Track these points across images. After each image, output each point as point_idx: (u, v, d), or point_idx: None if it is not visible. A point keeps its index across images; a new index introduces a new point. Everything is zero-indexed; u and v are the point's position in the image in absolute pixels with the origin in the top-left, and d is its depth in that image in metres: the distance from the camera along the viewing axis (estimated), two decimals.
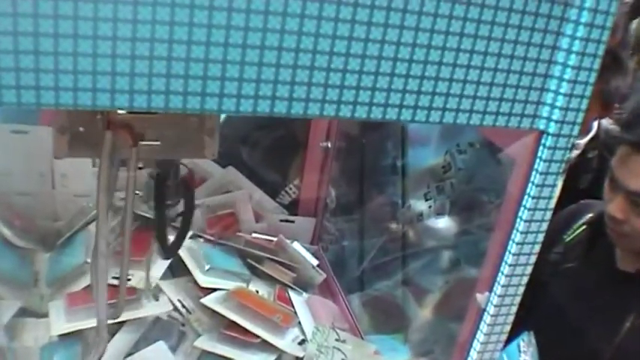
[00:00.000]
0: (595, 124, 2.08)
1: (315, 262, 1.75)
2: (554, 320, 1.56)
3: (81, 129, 0.85)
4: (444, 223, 2.04)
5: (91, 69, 0.61)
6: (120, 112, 0.84)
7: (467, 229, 1.95)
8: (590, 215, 1.64)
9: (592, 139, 2.09)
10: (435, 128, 2.11)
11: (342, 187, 2.11)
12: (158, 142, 0.90)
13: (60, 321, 1.33)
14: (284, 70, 0.66)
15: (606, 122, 2.15)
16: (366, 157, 2.15)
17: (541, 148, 0.82)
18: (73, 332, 1.30)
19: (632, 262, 1.53)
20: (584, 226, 1.63)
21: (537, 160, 0.83)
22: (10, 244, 1.47)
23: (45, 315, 1.38)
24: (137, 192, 1.04)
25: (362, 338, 1.58)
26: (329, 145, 1.84)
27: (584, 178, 2.09)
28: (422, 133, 2.15)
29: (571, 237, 1.64)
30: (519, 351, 1.47)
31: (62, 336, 1.31)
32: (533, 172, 0.84)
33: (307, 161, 1.90)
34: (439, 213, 2.06)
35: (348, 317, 1.67)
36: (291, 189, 2.06)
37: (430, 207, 2.07)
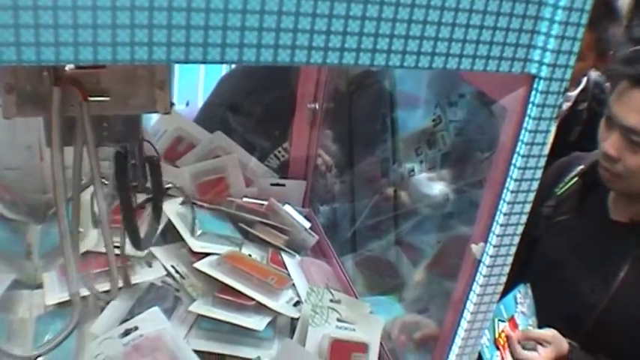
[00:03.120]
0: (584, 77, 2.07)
1: (307, 224, 1.74)
2: (548, 274, 1.56)
3: (28, 87, 0.84)
4: (435, 178, 2.03)
5: (33, 22, 0.58)
6: (67, 67, 0.83)
7: (459, 183, 1.95)
8: (582, 167, 1.64)
9: (582, 91, 2.08)
10: (424, 87, 2.09)
11: (332, 148, 2.10)
12: (108, 98, 0.88)
13: (54, 291, 1.32)
14: (268, 16, 0.64)
15: (595, 74, 2.15)
16: (355, 117, 2.14)
17: (533, 92, 0.81)
18: (68, 302, 1.29)
19: (625, 211, 1.53)
20: (575, 178, 1.63)
21: (530, 106, 0.82)
22: (0, 217, 1.45)
23: (39, 286, 1.37)
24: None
25: (356, 299, 1.58)
26: (317, 106, 1.82)
27: (574, 130, 2.09)
28: (411, 93, 2.14)
29: (563, 190, 1.64)
30: (516, 302, 1.48)
31: (57, 306, 1.30)
32: (526, 118, 0.83)
33: (295, 124, 1.89)
34: (431, 167, 2.06)
35: (342, 278, 1.66)
36: (280, 152, 2.05)
37: (422, 162, 2.06)
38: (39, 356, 0.94)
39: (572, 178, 1.63)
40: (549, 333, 1.46)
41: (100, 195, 0.91)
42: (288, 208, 1.74)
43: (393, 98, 2.09)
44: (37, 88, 0.83)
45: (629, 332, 1.49)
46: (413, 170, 2.07)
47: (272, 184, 1.85)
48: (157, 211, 1.19)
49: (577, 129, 2.09)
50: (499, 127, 0.93)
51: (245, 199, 1.74)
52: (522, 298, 1.52)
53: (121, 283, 1.27)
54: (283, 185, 1.87)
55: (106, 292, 1.20)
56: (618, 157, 1.41)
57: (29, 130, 1.58)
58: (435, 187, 2.02)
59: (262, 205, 1.73)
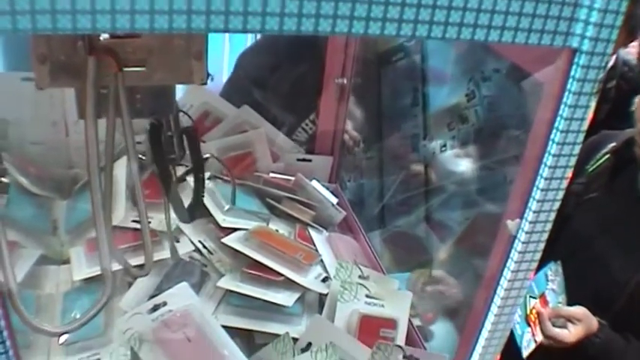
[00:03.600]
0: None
1: (334, 199, 1.73)
2: (578, 251, 1.54)
3: (62, 57, 0.82)
4: (466, 155, 2.01)
5: None
6: (102, 37, 0.81)
7: (492, 159, 1.92)
8: (614, 145, 1.61)
9: (610, 69, 2.05)
10: (456, 62, 2.06)
11: (360, 123, 2.08)
12: (143, 68, 0.87)
13: (81, 266, 1.33)
14: None
15: (624, 52, 2.11)
16: (384, 92, 2.11)
17: (574, 67, 0.79)
18: (95, 277, 1.29)
19: None
20: (607, 156, 1.60)
21: (570, 80, 0.80)
22: (26, 192, 1.46)
23: (65, 262, 1.38)
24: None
25: (384, 275, 1.57)
26: (345, 81, 1.80)
27: (602, 109, 2.06)
28: (443, 68, 2.11)
29: (594, 167, 1.61)
30: (547, 280, 1.46)
31: (84, 282, 1.31)
32: (566, 93, 0.81)
33: (323, 99, 1.87)
34: (463, 143, 2.03)
35: (369, 254, 1.65)
36: (307, 125, 2.04)
37: (454, 137, 2.04)
38: (69, 332, 0.94)
39: (603, 156, 1.61)
40: (580, 311, 1.45)
41: (134, 168, 0.90)
42: (315, 183, 1.73)
43: (424, 73, 2.07)
44: (70, 58, 0.81)
45: None
46: (445, 146, 2.05)
47: (299, 160, 1.83)
48: (200, 182, 1.18)
49: (605, 107, 2.06)
50: (530, 103, 0.91)
51: (272, 175, 1.73)
52: (553, 276, 1.51)
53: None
54: (310, 161, 1.86)
55: (138, 267, 1.20)
56: None
57: (54, 105, 1.58)
58: (465, 163, 2.00)
59: (289, 180, 1.72)
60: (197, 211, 1.24)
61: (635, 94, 1.46)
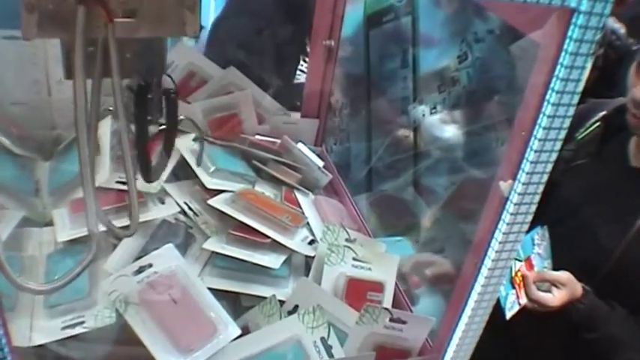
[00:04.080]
0: None
1: (320, 162, 1.71)
2: (565, 217, 1.54)
3: (50, 6, 0.79)
4: (458, 116, 2.00)
5: None
6: None
7: (485, 121, 1.91)
8: (604, 112, 1.60)
9: None
10: (447, 24, 2.04)
11: (347, 86, 2.07)
12: (135, 19, 0.84)
13: (65, 228, 1.31)
14: None
15: (611, 20, 2.11)
16: (373, 53, 2.09)
17: (572, 27, 0.78)
18: (79, 239, 1.28)
19: None
20: (597, 123, 1.59)
21: (567, 41, 0.78)
22: (9, 153, 1.43)
23: (48, 224, 1.36)
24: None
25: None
26: (332, 43, 1.77)
27: (590, 77, 2.05)
28: (434, 29, 2.08)
29: (583, 134, 1.61)
30: (533, 244, 1.47)
31: (68, 243, 1.29)
32: (562, 54, 0.79)
33: (310, 61, 1.85)
34: (455, 105, 2.02)
35: (356, 217, 1.65)
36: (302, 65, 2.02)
37: (444, 99, 2.02)
38: (53, 290, 0.92)
39: (593, 123, 1.60)
40: (564, 276, 1.45)
41: (123, 127, 0.88)
42: (301, 146, 1.72)
43: (414, 34, 2.04)
44: (59, 7, 0.78)
45: None
46: (435, 108, 2.04)
47: (285, 122, 1.81)
48: (169, 145, 1.16)
49: (593, 76, 2.06)
50: (523, 65, 0.90)
51: (257, 137, 1.71)
52: (539, 240, 1.51)
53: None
54: (296, 123, 1.84)
55: (123, 228, 1.18)
56: None
57: (36, 64, 1.55)
58: (455, 126, 1.99)
59: (275, 142, 1.70)
60: (160, 173, 1.22)
61: (622, 63, 1.46)
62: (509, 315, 1.40)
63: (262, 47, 2.08)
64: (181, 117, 1.42)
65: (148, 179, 1.15)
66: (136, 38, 0.84)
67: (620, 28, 2.14)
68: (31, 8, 0.77)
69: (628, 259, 1.47)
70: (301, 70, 2.34)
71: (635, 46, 2.34)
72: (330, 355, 1.16)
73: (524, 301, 1.43)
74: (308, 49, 2.30)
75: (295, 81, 2.33)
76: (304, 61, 2.33)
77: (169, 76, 1.02)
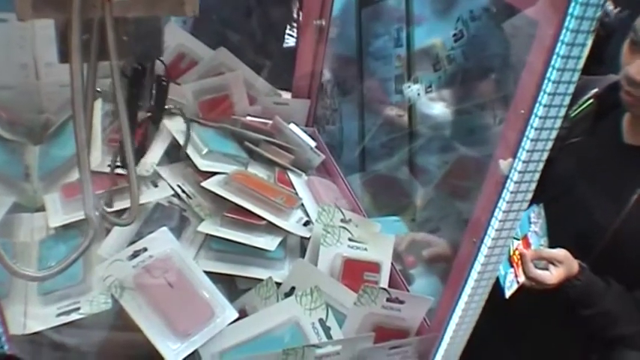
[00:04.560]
0: None
1: (312, 143, 1.70)
2: (561, 195, 1.54)
3: None
4: (455, 95, 1.99)
5: None
6: None
7: (481, 99, 1.90)
8: (596, 90, 1.59)
9: None
10: (442, 4, 2.02)
11: (339, 65, 2.05)
12: None
13: (57, 213, 1.30)
14: None
15: None
16: (365, 32, 2.08)
17: (572, 4, 0.76)
18: (71, 224, 1.26)
19: None
20: (590, 101, 1.59)
21: (568, 18, 0.77)
22: None
23: (40, 209, 1.34)
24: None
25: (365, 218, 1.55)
26: (323, 23, 1.75)
27: None
28: (428, 7, 2.06)
29: (577, 112, 1.60)
30: (529, 222, 1.47)
31: (61, 229, 1.28)
32: (563, 31, 0.78)
33: (301, 41, 1.83)
34: (451, 83, 2.01)
35: (349, 198, 1.64)
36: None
37: (440, 78, 2.01)
38: (49, 277, 0.91)
39: (586, 101, 1.59)
40: (561, 253, 1.45)
41: (123, 112, 0.86)
42: (293, 126, 1.70)
43: (409, 13, 2.02)
44: None
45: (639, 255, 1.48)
46: (430, 87, 2.02)
47: (275, 103, 1.80)
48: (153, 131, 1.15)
49: None
50: (520, 43, 0.89)
51: (249, 118, 1.69)
52: (536, 218, 1.51)
53: (124, 204, 1.24)
54: (287, 104, 1.82)
55: (116, 212, 1.17)
56: None
57: (24, 47, 1.53)
58: (451, 105, 1.98)
59: (267, 123, 1.68)
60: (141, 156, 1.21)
61: (610, 40, 1.45)
62: (508, 293, 1.40)
63: (249, 15, 2.07)
64: (169, 106, 1.42)
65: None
66: (133, 19, 0.82)
67: (609, 5, 2.14)
68: None
69: (623, 235, 1.48)
70: (289, 34, 2.32)
71: (623, 22, 2.34)
72: (329, 337, 1.16)
73: (522, 279, 1.43)
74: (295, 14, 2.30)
75: (285, 45, 2.31)
76: (291, 26, 2.31)
77: (161, 60, 1.00)
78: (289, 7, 1.98)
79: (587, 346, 1.67)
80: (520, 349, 1.73)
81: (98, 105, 1.36)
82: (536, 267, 1.44)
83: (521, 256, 1.43)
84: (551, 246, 1.51)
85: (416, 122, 2.06)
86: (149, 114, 1.19)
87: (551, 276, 1.44)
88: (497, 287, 1.36)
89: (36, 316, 1.11)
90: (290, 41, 2.27)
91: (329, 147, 1.84)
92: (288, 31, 2.23)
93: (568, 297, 1.47)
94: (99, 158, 1.32)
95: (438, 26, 2.04)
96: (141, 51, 0.91)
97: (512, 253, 1.42)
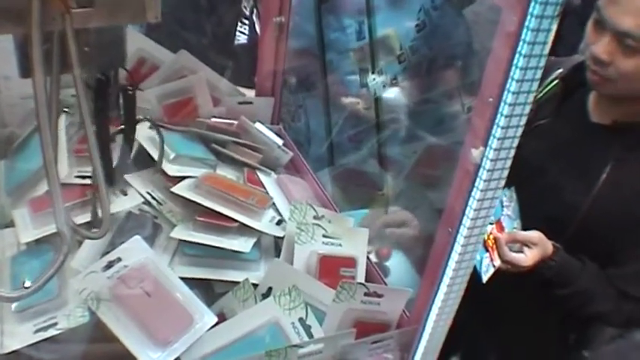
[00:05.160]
0: None
1: (279, 141, 1.69)
2: (530, 177, 1.55)
3: (3, 1, 0.75)
4: (420, 85, 1.99)
5: None
6: None
7: (447, 88, 1.91)
8: (561, 70, 1.60)
9: None
10: None
11: (301, 61, 2.04)
12: (92, 8, 0.80)
13: (27, 228, 1.28)
14: None
15: None
16: (326, 27, 2.07)
17: None
18: (43, 239, 1.25)
19: (608, 113, 1.52)
20: (555, 82, 1.60)
21: (532, 4, 0.78)
22: None
23: (9, 225, 1.32)
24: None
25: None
26: (283, 20, 1.74)
27: None
28: (389, 1, 2.06)
29: (542, 94, 1.61)
30: (502, 206, 1.48)
31: (32, 244, 1.26)
32: (528, 17, 0.79)
33: (261, 39, 1.81)
34: (415, 74, 2.01)
35: (320, 194, 1.63)
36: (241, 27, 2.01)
37: (405, 69, 2.01)
38: (25, 296, 0.89)
39: (551, 82, 1.60)
40: (535, 235, 1.47)
41: (87, 122, 0.85)
42: (258, 125, 1.69)
43: (369, 5, 2.02)
44: (12, 1, 0.74)
45: (611, 233, 1.50)
46: (395, 78, 2.02)
47: (240, 102, 1.78)
48: (129, 143, 1.13)
49: None
50: (482, 31, 0.89)
51: (214, 120, 1.68)
52: (508, 202, 1.52)
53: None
54: (251, 103, 1.81)
55: (85, 224, 1.16)
56: (610, 61, 1.37)
57: None
58: (412, 98, 1.98)
59: (232, 124, 1.67)
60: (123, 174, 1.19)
61: (565, 19, 1.45)
62: (485, 278, 1.41)
63: (199, 15, 2.06)
64: (139, 117, 1.40)
65: (112, 183, 1.12)
66: (94, 29, 0.81)
67: None
68: None
69: (595, 213, 1.49)
70: (240, 32, 2.31)
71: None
72: (310, 335, 1.16)
73: (498, 263, 1.44)
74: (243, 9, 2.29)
75: (236, 42, 2.30)
76: (242, 22, 2.30)
77: (125, 69, 0.99)
78: (239, 3, 1.96)
79: (564, 326, 1.69)
80: (499, 333, 1.75)
81: (62, 116, 1.35)
82: (511, 250, 1.45)
83: (496, 240, 1.44)
84: (524, 228, 1.53)
85: (382, 114, 2.06)
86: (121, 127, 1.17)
87: (527, 258, 1.45)
88: (474, 273, 1.37)
89: (13, 334, 1.09)
90: (241, 38, 2.26)
91: (296, 144, 1.83)
92: (239, 28, 2.21)
93: (544, 278, 1.49)
94: (65, 170, 1.31)
95: (401, 17, 2.04)
96: (103, 61, 0.89)
97: (486, 237, 1.43)
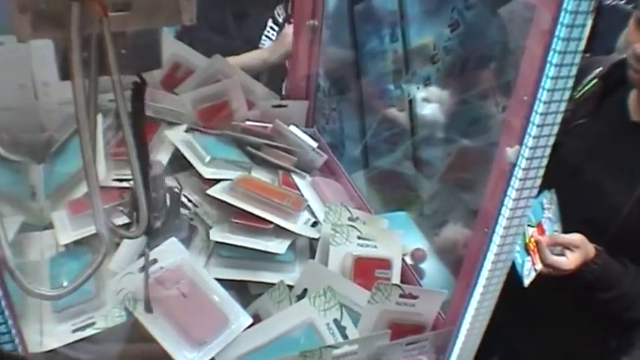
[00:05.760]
0: None
1: (314, 144, 1.70)
2: (569, 178, 1.53)
3: (43, 5, 0.77)
4: (453, 85, 1.98)
5: None
6: None
7: (482, 88, 1.90)
8: (600, 69, 1.59)
9: None
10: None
11: (335, 64, 2.04)
12: (129, 12, 0.81)
13: (66, 230, 1.30)
14: None
15: None
16: (359, 29, 2.07)
17: None
18: (81, 240, 1.26)
19: None
20: (594, 81, 1.58)
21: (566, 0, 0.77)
22: (2, 159, 1.41)
23: (47, 227, 1.34)
24: None
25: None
26: (316, 23, 1.75)
27: None
28: (421, 2, 2.06)
29: (581, 93, 1.59)
30: (542, 208, 1.46)
31: (70, 245, 1.28)
32: (562, 13, 0.78)
33: (295, 42, 1.82)
34: (449, 75, 2.00)
35: (355, 196, 1.63)
36: (269, 32, 2.01)
37: (438, 69, 2.00)
38: (65, 294, 0.91)
39: (590, 81, 1.59)
40: (577, 237, 1.45)
41: (127, 125, 0.86)
42: (293, 128, 1.70)
43: (402, 6, 2.02)
44: (52, 5, 0.76)
45: None
46: (429, 79, 2.02)
47: (274, 106, 1.79)
48: (138, 139, 1.14)
49: None
50: (517, 29, 0.89)
51: (248, 123, 1.69)
52: (548, 204, 1.50)
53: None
54: (286, 106, 1.82)
55: (123, 226, 1.17)
56: None
57: (21, 68, 1.53)
58: (446, 99, 1.97)
59: (267, 127, 1.68)
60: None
61: (599, 16, 1.44)
62: (527, 282, 1.39)
63: (228, 19, 2.07)
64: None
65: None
66: (131, 32, 0.82)
67: None
68: (24, 8, 0.75)
69: (637, 214, 1.47)
70: (267, 36, 2.32)
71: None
72: (345, 337, 1.16)
73: (539, 266, 1.42)
74: (277, 15, 2.30)
75: (260, 46, 2.31)
76: (271, 28, 2.31)
77: (140, 75, 1.00)
78: (272, 9, 1.97)
79: (605, 330, 1.66)
80: (537, 335, 1.73)
81: (100, 119, 1.36)
82: (552, 253, 1.44)
83: (537, 243, 1.42)
84: (564, 231, 1.51)
85: (416, 116, 2.05)
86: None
87: (568, 261, 1.43)
88: (513, 275, 1.36)
89: (52, 334, 1.11)
90: (267, 43, 2.27)
91: (330, 146, 1.83)
92: (266, 33, 2.22)
93: (585, 281, 1.47)
94: (103, 173, 1.32)
95: (434, 18, 2.03)
96: (140, 63, 0.90)
97: (527, 240, 1.41)
